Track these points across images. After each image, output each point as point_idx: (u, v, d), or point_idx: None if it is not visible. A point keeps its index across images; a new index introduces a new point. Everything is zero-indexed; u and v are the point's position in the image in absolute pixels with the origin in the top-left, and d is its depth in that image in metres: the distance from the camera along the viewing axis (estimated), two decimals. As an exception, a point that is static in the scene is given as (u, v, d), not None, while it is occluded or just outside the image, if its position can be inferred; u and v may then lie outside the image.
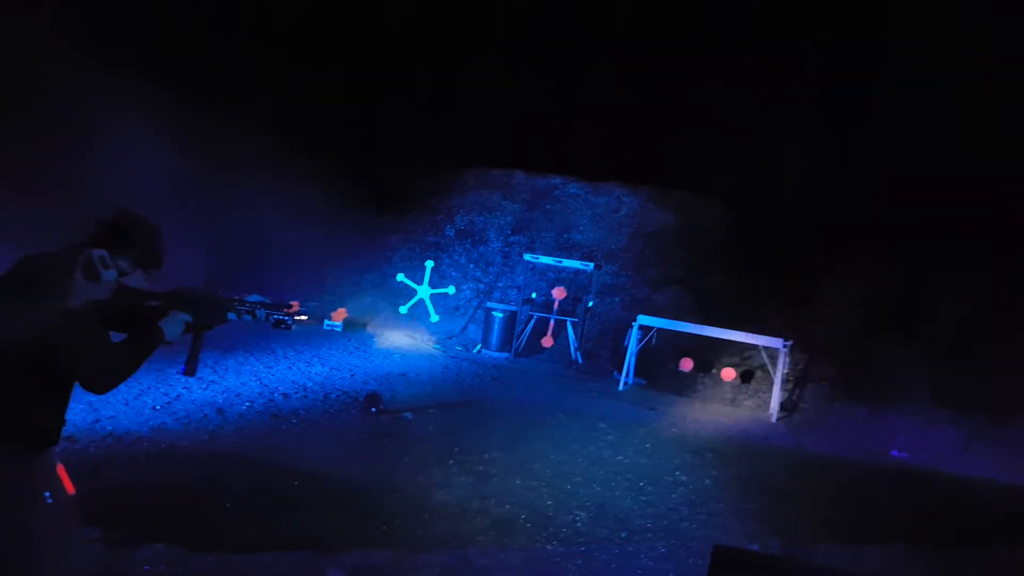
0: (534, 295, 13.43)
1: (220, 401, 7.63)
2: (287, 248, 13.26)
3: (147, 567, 4.10)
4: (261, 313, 2.76)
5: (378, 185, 15.48)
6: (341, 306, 13.17)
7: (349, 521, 5.11)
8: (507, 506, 5.78)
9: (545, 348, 12.50)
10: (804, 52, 15.57)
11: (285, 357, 10.07)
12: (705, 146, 15.41)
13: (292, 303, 2.87)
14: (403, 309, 13.42)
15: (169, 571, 4.11)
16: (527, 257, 13.13)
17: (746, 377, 11.39)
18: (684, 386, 11.46)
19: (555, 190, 15.83)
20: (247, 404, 7.67)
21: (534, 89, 16.89)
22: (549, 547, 5.14)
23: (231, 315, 2.72)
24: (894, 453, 9.42)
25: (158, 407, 7.10)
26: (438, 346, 12.45)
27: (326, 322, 12.50)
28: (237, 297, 2.77)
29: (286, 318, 2.78)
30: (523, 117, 16.40)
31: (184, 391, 7.72)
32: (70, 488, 2.53)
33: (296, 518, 5.03)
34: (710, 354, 11.69)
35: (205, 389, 7.97)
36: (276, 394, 8.20)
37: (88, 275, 2.37)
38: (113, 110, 9.68)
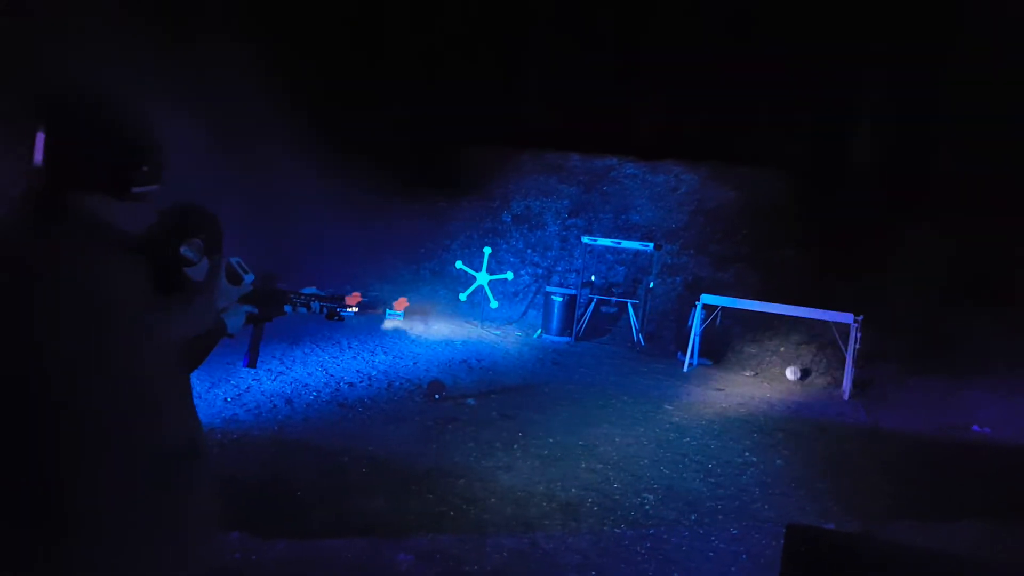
0: (593, 278, 13.32)
1: (288, 391, 7.79)
2: (344, 238, 13.42)
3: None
4: (316, 305, 2.76)
5: (434, 172, 15.53)
6: (401, 295, 13.30)
7: (417, 507, 5.15)
8: (573, 490, 5.75)
9: (607, 331, 12.38)
10: (870, 21, 14.96)
11: (349, 347, 10.21)
12: (766, 118, 15.00)
13: (354, 294, 2.85)
14: (462, 296, 13.47)
15: (244, 558, 4.21)
16: (585, 240, 13.01)
17: (812, 359, 11.09)
18: (751, 366, 11.22)
19: (611, 171, 15.65)
20: (314, 394, 7.81)
21: (586, 70, 16.68)
22: (617, 530, 5.09)
23: (287, 307, 2.74)
24: (975, 429, 9.04)
25: (229, 399, 7.28)
26: (498, 332, 12.47)
27: (388, 312, 12.64)
28: (292, 290, 2.78)
29: (340, 310, 2.79)
30: (577, 99, 16.24)
31: (254, 383, 7.90)
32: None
33: (364, 504, 5.09)
34: (778, 331, 11.41)
35: (274, 380, 8.14)
36: (342, 383, 8.33)
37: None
38: (153, 91, 9.76)
